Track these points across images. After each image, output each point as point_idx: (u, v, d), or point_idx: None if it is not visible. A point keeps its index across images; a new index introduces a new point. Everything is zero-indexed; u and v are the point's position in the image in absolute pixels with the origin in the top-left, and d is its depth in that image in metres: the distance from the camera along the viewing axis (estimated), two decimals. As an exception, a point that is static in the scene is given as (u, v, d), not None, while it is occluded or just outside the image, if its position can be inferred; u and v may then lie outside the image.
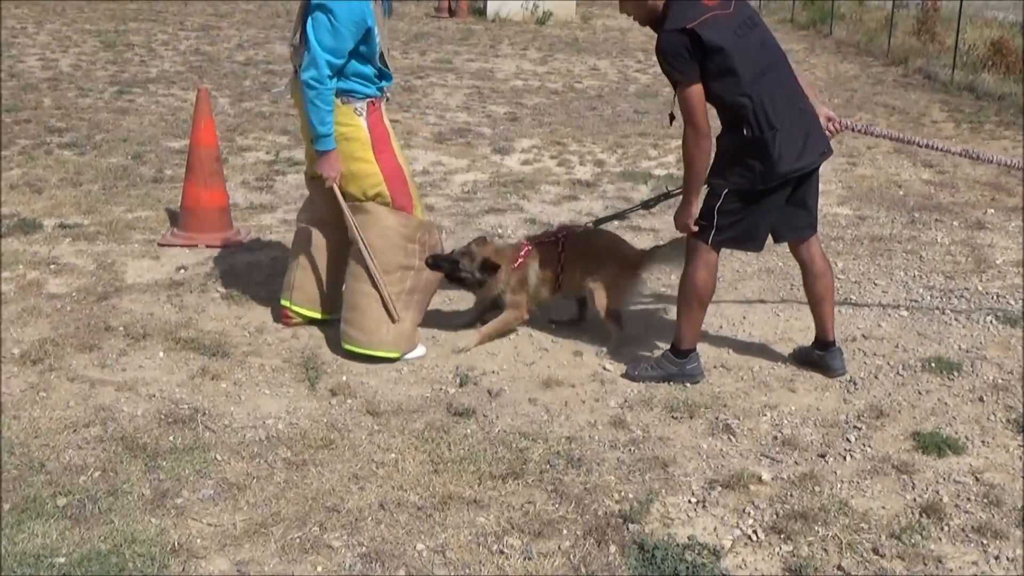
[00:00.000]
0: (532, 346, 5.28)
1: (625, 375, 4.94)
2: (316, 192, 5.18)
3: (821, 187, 8.28)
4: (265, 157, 9.15)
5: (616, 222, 6.51)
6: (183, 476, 3.94)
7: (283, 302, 5.39)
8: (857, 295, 6.11)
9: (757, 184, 4.52)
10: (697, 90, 4.41)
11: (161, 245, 6.62)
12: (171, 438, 4.22)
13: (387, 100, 5.04)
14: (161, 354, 5.02)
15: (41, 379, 4.70)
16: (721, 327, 5.56)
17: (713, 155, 4.61)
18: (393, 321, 4.96)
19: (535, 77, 14.62)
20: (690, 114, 4.43)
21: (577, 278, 5.28)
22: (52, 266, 6.15)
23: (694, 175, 4.56)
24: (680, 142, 4.58)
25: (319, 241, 5.28)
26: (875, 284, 6.30)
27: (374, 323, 4.95)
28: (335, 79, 4.68)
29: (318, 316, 5.36)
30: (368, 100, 4.85)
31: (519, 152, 9.70)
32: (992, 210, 7.97)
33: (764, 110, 4.44)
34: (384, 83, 4.96)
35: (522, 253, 5.26)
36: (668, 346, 4.95)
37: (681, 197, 4.71)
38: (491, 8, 22.84)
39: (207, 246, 6.60)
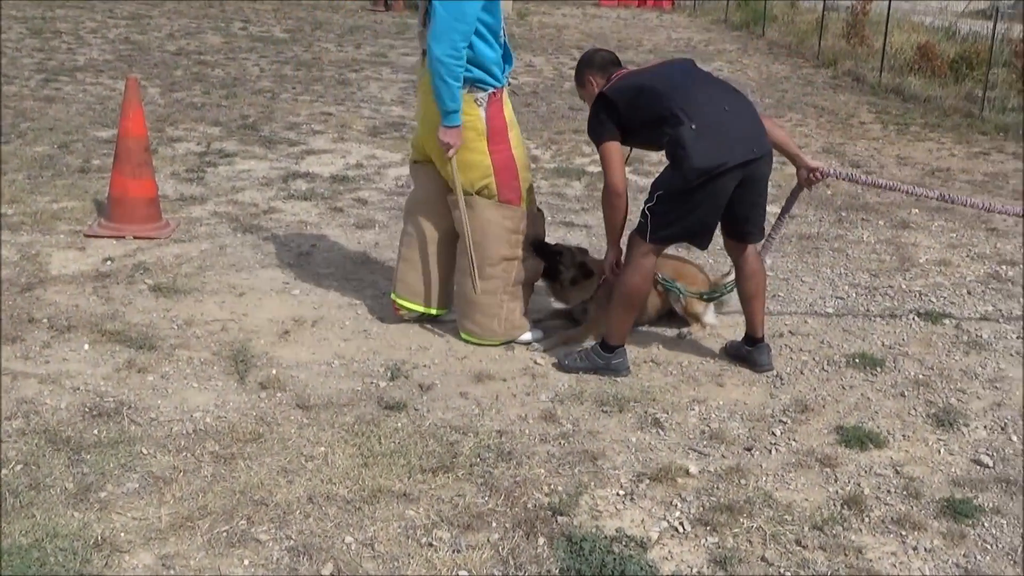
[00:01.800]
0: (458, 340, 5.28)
1: (557, 364, 4.98)
2: (421, 178, 5.24)
3: (751, 185, 8.46)
4: (196, 148, 9.04)
5: (548, 216, 6.52)
6: (107, 470, 3.88)
7: (392, 295, 5.41)
8: (785, 292, 6.20)
9: (679, 183, 4.59)
10: (615, 147, 4.78)
11: (88, 236, 6.51)
12: (95, 431, 4.16)
13: (508, 86, 5.06)
14: (86, 346, 4.94)
15: (-39, 371, 4.60)
16: (651, 322, 5.61)
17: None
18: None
19: (470, 72, 14.59)
20: (607, 172, 4.80)
21: (661, 301, 5.47)
22: (-26, 256, 6.02)
23: (610, 228, 4.95)
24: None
25: (423, 232, 5.26)
26: (803, 281, 6.40)
27: (487, 317, 5.11)
28: (466, 52, 4.65)
29: (423, 310, 5.36)
30: (491, 91, 4.87)
31: (453, 147, 9.67)
32: (916, 210, 8.14)
33: (681, 109, 4.57)
34: (507, 67, 4.99)
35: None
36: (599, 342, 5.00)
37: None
38: (427, 3, 22.75)
39: (135, 237, 6.50)
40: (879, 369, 5.10)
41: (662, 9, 27.98)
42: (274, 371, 4.81)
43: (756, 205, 4.87)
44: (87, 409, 4.33)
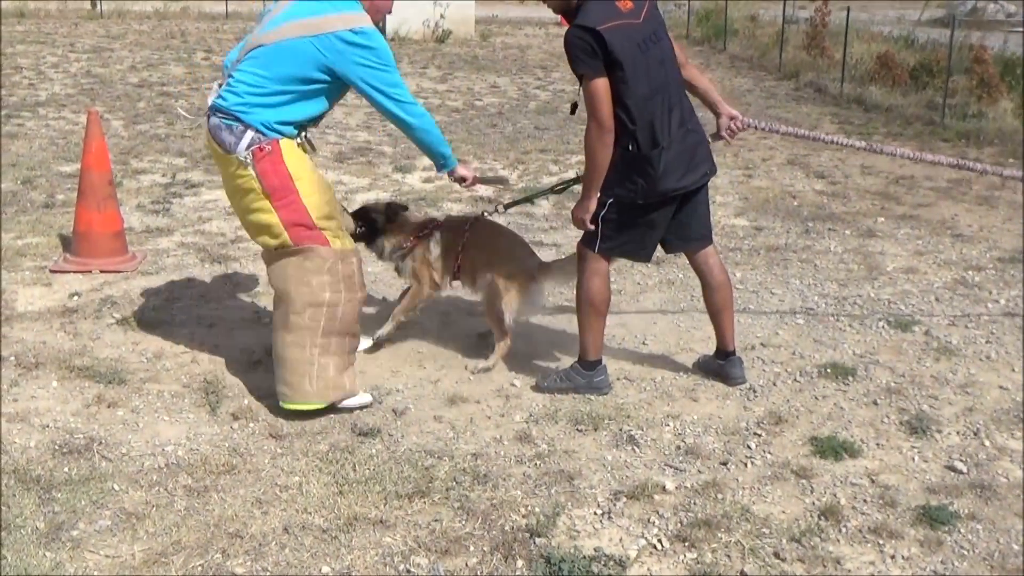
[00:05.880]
0: (436, 363, 5.26)
1: (535, 387, 4.97)
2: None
3: (719, 199, 8.53)
4: (161, 180, 8.99)
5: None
6: (79, 507, 3.83)
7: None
8: (755, 304, 6.23)
9: (638, 199, 4.60)
10: (603, 83, 4.42)
11: (53, 272, 6.44)
12: (66, 469, 4.10)
13: (303, 138, 4.65)
14: (55, 383, 4.88)
15: (-73, 413, 4.53)
16: (624, 339, 5.61)
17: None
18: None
19: (435, 95, 14.64)
20: (595, 107, 4.44)
21: (474, 268, 5.25)
22: (-62, 296, 5.95)
23: (594, 169, 4.57)
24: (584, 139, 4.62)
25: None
26: (772, 293, 6.43)
27: (296, 376, 4.57)
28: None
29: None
30: (257, 146, 4.44)
31: (420, 170, 9.68)
32: (882, 219, 8.21)
33: (652, 128, 4.50)
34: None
35: (430, 225, 5.31)
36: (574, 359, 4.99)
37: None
38: (390, 27, 22.80)
39: (101, 271, 6.45)
40: (851, 378, 5.12)
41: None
42: (246, 401, 4.77)
43: (703, 208, 4.91)
44: (57, 446, 4.28)
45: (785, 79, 16.88)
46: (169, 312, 5.84)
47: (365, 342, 5.12)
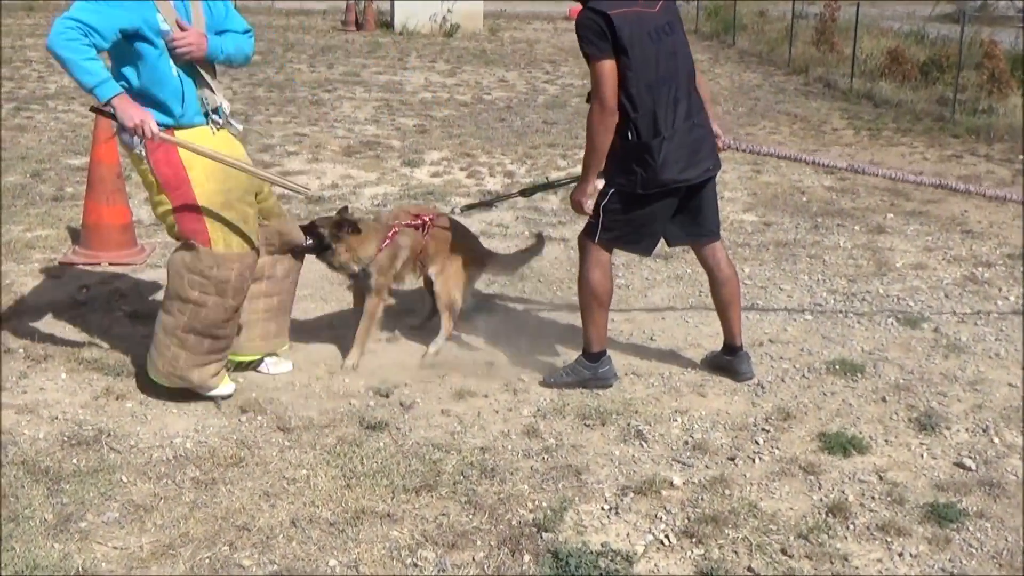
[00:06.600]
0: (444, 357, 5.26)
1: (542, 382, 4.96)
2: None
3: (727, 194, 8.52)
4: (170, 172, 8.98)
5: (523, 230, 6.52)
6: (87, 499, 3.84)
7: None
8: (763, 300, 6.22)
9: (637, 188, 4.59)
10: (609, 65, 4.43)
11: (62, 264, 6.46)
12: (74, 461, 4.11)
13: (218, 127, 4.56)
14: (64, 375, 4.89)
15: (-64, 404, 4.55)
16: (632, 334, 5.61)
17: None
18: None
19: (444, 89, 14.63)
20: (599, 88, 4.45)
21: (431, 263, 5.32)
22: (-53, 287, 5.97)
23: (594, 150, 4.57)
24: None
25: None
26: (781, 289, 6.42)
27: (155, 351, 4.62)
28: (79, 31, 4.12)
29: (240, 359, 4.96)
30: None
31: (429, 164, 9.69)
32: (891, 215, 8.19)
33: (654, 117, 4.50)
34: (190, 110, 4.46)
35: (391, 233, 5.14)
36: (575, 353, 4.99)
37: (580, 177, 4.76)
38: (398, 21, 22.81)
39: (110, 264, 6.46)
40: (860, 375, 5.11)
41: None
42: (253, 394, 4.77)
43: (710, 203, 4.89)
44: (66, 438, 4.29)
45: (794, 74, 16.83)
46: (177, 305, 5.85)
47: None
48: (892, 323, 5.83)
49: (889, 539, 3.73)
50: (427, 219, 5.29)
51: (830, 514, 3.87)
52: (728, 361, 5.07)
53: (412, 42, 20.82)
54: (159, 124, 4.32)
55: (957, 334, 5.67)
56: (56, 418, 4.48)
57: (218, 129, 4.58)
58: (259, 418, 4.55)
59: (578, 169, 5.01)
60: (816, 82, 15.89)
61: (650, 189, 4.59)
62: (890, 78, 15.10)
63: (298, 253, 5.01)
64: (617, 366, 5.05)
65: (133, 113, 4.23)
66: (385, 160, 9.85)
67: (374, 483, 4.00)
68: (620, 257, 6.08)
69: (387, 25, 23.11)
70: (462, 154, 10.13)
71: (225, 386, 4.73)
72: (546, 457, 4.27)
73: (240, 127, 4.78)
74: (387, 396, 4.79)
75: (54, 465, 4.07)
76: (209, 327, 4.56)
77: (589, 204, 4.75)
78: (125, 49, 4.33)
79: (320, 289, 6.17)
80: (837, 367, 5.18)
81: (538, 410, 4.70)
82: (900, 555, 3.64)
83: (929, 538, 3.73)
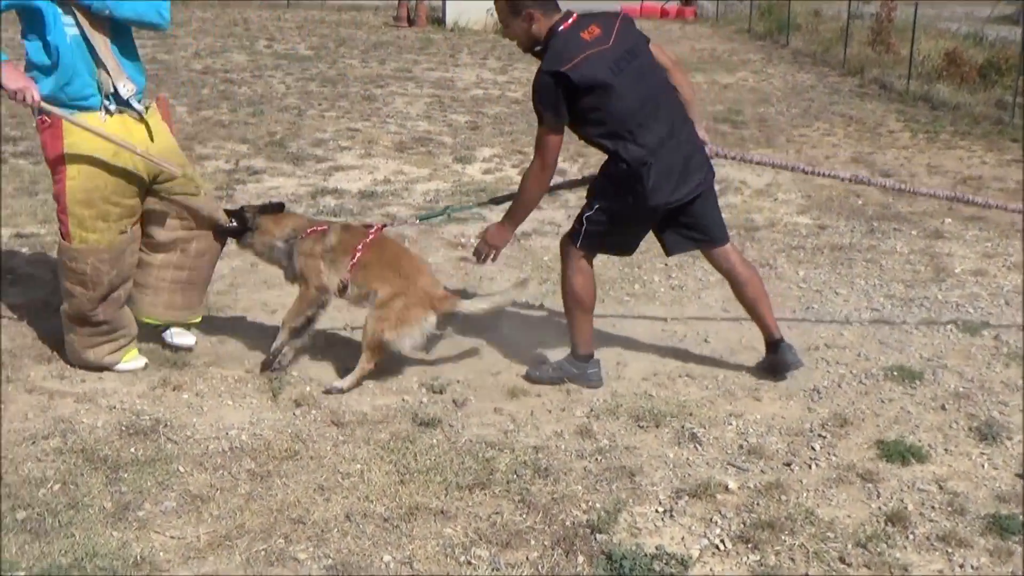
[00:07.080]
0: (497, 355, 5.25)
1: (526, 376, 4.96)
2: None
3: (780, 196, 8.46)
4: (224, 166, 9.07)
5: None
6: (145, 488, 3.88)
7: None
8: (819, 304, 6.15)
9: (628, 212, 4.64)
10: (555, 140, 4.49)
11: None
12: (132, 450, 4.16)
13: (109, 115, 4.57)
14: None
15: (-2, 391, 4.61)
16: (685, 336, 5.57)
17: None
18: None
19: (495, 86, 14.62)
20: (543, 153, 4.52)
21: (364, 281, 4.79)
22: (9, 276, 6.05)
23: (524, 205, 4.70)
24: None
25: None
26: (836, 293, 6.34)
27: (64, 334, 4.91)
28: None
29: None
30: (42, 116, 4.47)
31: (480, 161, 9.69)
32: (949, 219, 8.06)
33: (638, 144, 4.48)
34: (89, 97, 4.51)
35: (322, 226, 4.96)
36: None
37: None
38: (450, 17, 22.84)
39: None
40: (918, 382, 5.04)
41: (685, 20, 27.90)
42: (308, 388, 4.79)
43: (710, 211, 4.88)
44: (124, 427, 4.34)
45: (849, 75, 16.63)
46: (232, 297, 5.90)
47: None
48: (951, 330, 5.74)
49: (950, 550, 3.67)
50: (371, 231, 4.91)
51: (889, 523, 3.82)
52: (773, 357, 5.00)
53: (464, 38, 20.83)
54: (82, 109, 4.46)
55: (1018, 342, 5.57)
56: (114, 407, 4.53)
57: (109, 116, 4.59)
58: (313, 412, 4.57)
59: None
60: (871, 83, 15.69)
61: (641, 213, 4.63)
62: (948, 80, 14.87)
63: (219, 234, 5.03)
64: (671, 368, 5.04)
65: (17, 77, 4.34)
66: (437, 156, 9.87)
67: (427, 479, 4.01)
68: (674, 258, 6.05)
69: (439, 21, 23.15)
70: (514, 151, 10.11)
71: (132, 361, 4.93)
72: (599, 458, 4.25)
73: (142, 107, 4.74)
74: (440, 392, 4.79)
75: (112, 454, 4.12)
76: (81, 314, 4.75)
77: (496, 255, 4.78)
78: (28, 20, 4.43)
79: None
80: (895, 374, 5.11)
81: (591, 410, 4.68)
82: (961, 566, 3.58)
83: (991, 550, 3.67)
